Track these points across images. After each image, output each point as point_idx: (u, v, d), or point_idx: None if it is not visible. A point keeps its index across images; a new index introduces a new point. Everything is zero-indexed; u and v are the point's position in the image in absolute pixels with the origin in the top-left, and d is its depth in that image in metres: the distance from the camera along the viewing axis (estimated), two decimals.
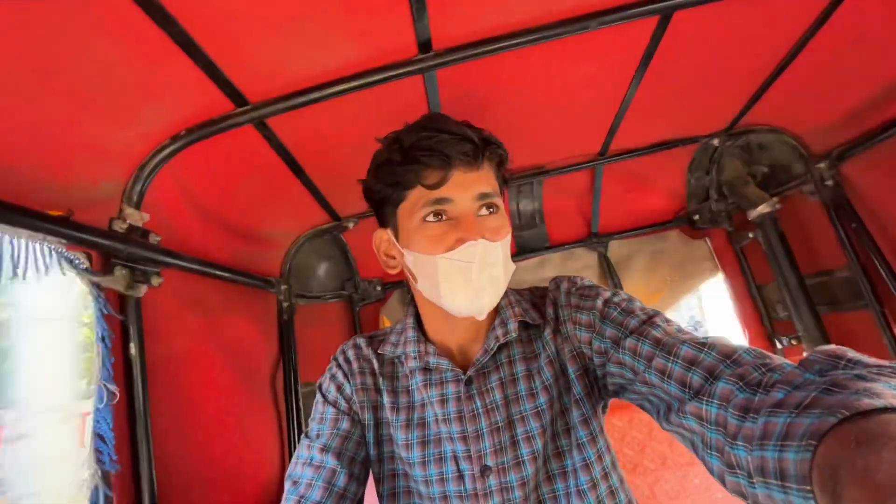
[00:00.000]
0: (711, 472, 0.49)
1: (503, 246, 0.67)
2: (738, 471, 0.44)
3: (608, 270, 1.66)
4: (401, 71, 0.81)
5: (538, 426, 0.69)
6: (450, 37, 0.79)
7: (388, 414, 0.74)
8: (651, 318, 0.65)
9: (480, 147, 0.66)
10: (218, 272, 1.02)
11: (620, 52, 0.93)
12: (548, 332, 0.74)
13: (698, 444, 0.51)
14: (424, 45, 0.79)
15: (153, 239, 0.83)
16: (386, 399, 0.76)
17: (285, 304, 1.35)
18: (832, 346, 0.45)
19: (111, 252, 0.74)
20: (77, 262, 0.68)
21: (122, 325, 0.76)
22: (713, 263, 1.64)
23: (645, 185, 1.58)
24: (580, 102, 1.09)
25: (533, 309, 0.77)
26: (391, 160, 0.68)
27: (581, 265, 1.70)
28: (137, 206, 0.81)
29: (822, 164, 1.24)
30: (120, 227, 0.77)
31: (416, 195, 0.66)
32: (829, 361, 0.43)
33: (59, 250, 0.66)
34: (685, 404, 0.52)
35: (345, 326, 1.64)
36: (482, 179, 0.67)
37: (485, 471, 0.67)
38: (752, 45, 0.99)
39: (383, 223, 0.74)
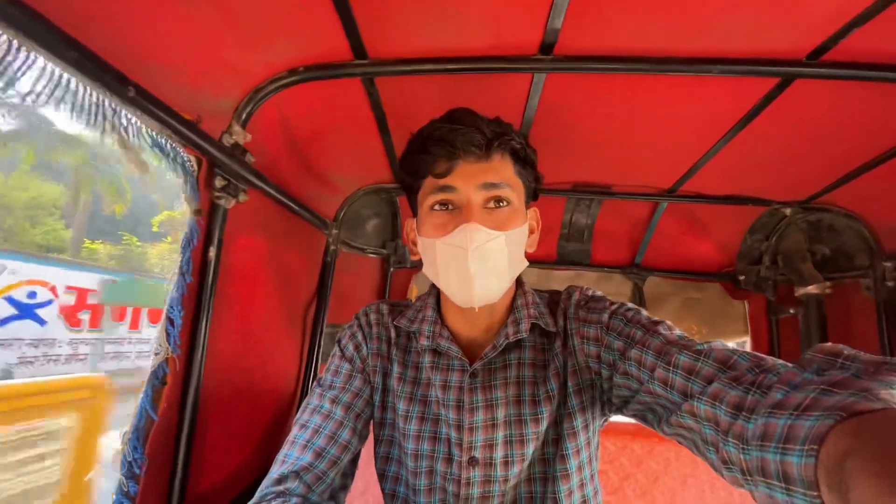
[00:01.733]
0: (712, 466, 0.51)
1: (508, 238, 0.66)
2: (731, 466, 0.45)
3: (639, 303, 1.68)
4: (517, 66, 0.84)
5: (534, 432, 0.70)
6: (574, 45, 0.81)
7: (394, 383, 0.78)
8: (654, 327, 0.65)
9: (490, 138, 0.67)
10: (290, 203, 1.09)
11: (728, 104, 0.93)
12: (558, 344, 0.75)
13: (698, 442, 0.52)
14: (547, 47, 0.81)
15: (249, 159, 0.90)
16: (395, 368, 0.79)
17: (332, 248, 1.42)
18: (829, 344, 0.45)
19: (217, 162, 0.81)
20: (189, 164, 0.75)
21: (206, 229, 0.83)
22: (744, 327, 1.63)
23: (701, 231, 1.58)
24: (669, 139, 1.10)
25: (549, 314, 0.78)
26: (411, 150, 0.72)
27: (614, 290, 1.72)
28: (244, 126, 0.87)
29: (889, 263, 1.22)
30: (227, 141, 0.83)
31: (428, 184, 0.69)
32: (826, 360, 0.43)
33: (178, 150, 0.73)
34: (682, 405, 0.54)
35: (375, 282, 1.71)
36: (490, 170, 0.67)
37: (472, 461, 0.70)
38: (859, 130, 0.97)
39: (413, 212, 0.79)
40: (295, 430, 0.72)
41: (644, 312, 0.71)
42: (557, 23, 0.75)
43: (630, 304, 0.73)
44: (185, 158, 0.74)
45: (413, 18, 0.77)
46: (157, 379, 0.75)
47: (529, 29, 0.78)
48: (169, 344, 0.75)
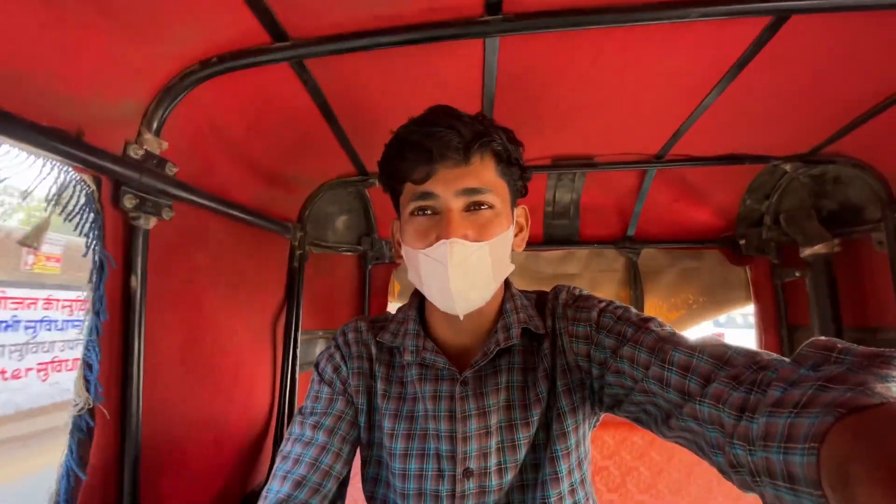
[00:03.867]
0: (719, 469, 0.49)
1: (491, 246, 0.65)
2: (740, 468, 0.45)
3: (633, 277, 1.58)
4: (461, 31, 0.72)
5: (525, 436, 0.68)
6: (524, 1, 0.68)
7: (379, 401, 0.74)
8: (645, 324, 0.64)
9: (468, 140, 0.64)
10: (233, 212, 0.98)
11: (714, 52, 0.81)
12: (546, 345, 0.73)
13: (703, 445, 0.51)
14: (493, 6, 0.69)
15: (170, 169, 0.78)
16: (379, 386, 0.75)
17: (298, 252, 1.31)
18: (823, 339, 0.45)
19: (122, 179, 0.70)
20: (83, 186, 0.64)
21: (125, 255, 0.73)
22: (747, 293, 1.53)
23: (695, 197, 1.46)
24: (650, 99, 0.97)
25: (538, 317, 0.76)
26: (388, 155, 0.69)
27: (607, 266, 1.62)
28: (157, 133, 0.76)
29: None
30: (136, 152, 0.72)
31: (408, 189, 0.67)
32: (821, 355, 0.44)
33: (67, 171, 0.62)
34: (683, 407, 0.53)
35: (354, 281, 1.61)
36: (470, 175, 0.65)
37: (467, 473, 0.67)
38: (866, 69, 0.85)
39: (398, 214, 0.75)
40: (278, 462, 0.70)
41: (633, 310, 0.69)
42: None
43: (619, 303, 0.71)
44: (76, 179, 0.63)
45: None
46: (81, 432, 0.66)
47: None
48: (89, 392, 0.66)
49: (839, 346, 0.44)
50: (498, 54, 0.80)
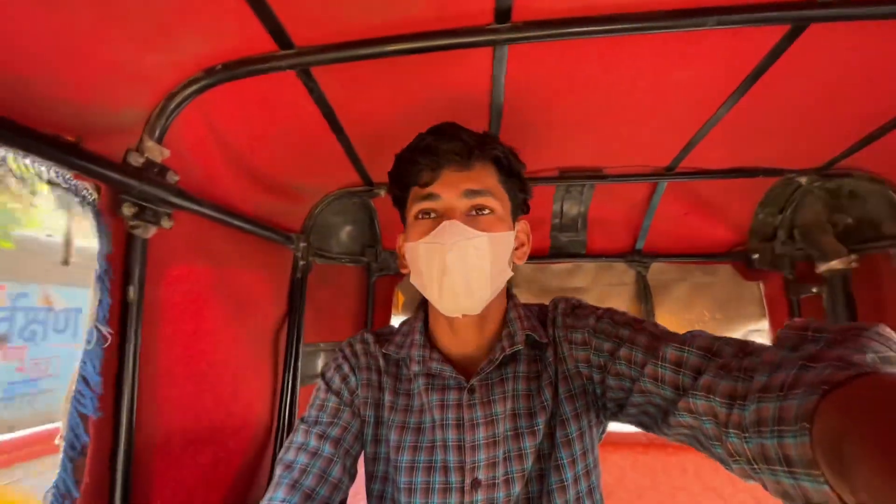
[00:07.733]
0: (720, 461, 0.50)
1: (491, 239, 0.66)
2: (738, 457, 0.45)
3: (644, 292, 1.55)
4: (470, 39, 0.70)
5: (531, 445, 0.68)
6: (534, 8, 0.67)
7: (386, 413, 0.74)
8: (640, 325, 0.65)
9: (471, 146, 0.67)
10: (236, 222, 0.97)
11: (729, 62, 0.79)
12: (549, 353, 0.73)
13: (701, 439, 0.52)
14: (503, 14, 0.68)
15: (171, 178, 0.77)
16: (387, 398, 0.75)
17: (301, 262, 1.30)
18: (798, 319, 0.48)
19: (122, 187, 0.68)
20: (84, 193, 0.63)
21: (123, 265, 0.71)
22: (761, 310, 1.49)
23: (707, 210, 1.43)
24: (662, 110, 0.95)
25: (540, 327, 0.77)
26: (398, 163, 0.73)
27: (616, 280, 1.58)
28: (159, 140, 0.74)
29: None
30: (136, 160, 0.71)
31: (414, 193, 0.70)
32: (797, 335, 0.46)
33: (66, 178, 0.60)
34: (678, 402, 0.53)
35: (358, 293, 1.59)
36: (472, 178, 0.68)
37: (475, 484, 0.66)
38: (884, 82, 0.83)
39: (404, 225, 0.77)
40: (279, 471, 0.67)
41: (630, 313, 0.71)
42: None
43: (616, 309, 0.73)
44: (79, 187, 0.62)
45: None
46: (74, 451, 0.64)
47: None
48: (84, 406, 0.63)
49: (813, 324, 0.46)
50: (507, 63, 0.79)
